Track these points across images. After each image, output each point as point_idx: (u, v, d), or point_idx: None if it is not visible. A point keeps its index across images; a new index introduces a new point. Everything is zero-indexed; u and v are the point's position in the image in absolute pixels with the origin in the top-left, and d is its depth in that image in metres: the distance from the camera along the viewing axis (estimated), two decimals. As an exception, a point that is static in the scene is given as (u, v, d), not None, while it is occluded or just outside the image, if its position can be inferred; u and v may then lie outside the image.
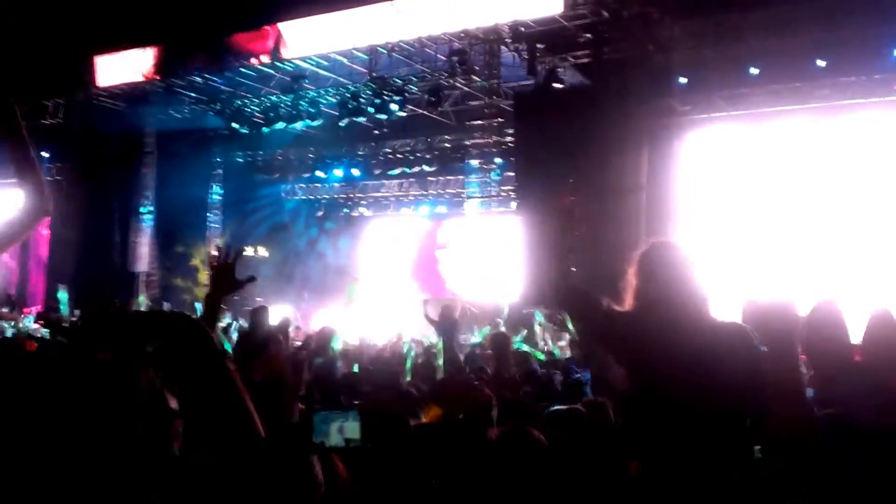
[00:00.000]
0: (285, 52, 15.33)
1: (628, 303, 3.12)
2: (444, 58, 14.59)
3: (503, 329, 12.56)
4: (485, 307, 13.89)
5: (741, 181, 13.06)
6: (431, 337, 12.70)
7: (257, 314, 7.97)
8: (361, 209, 19.89)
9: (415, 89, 15.34)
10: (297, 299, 17.27)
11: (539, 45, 13.52)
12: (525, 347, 9.98)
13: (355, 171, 18.56)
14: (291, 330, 10.44)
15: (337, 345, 9.75)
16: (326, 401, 5.86)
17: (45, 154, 19.17)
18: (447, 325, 12.69)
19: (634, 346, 3.03)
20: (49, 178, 18.98)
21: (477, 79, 14.74)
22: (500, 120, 14.99)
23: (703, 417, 2.84)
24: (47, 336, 10.28)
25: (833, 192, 12.28)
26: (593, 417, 4.18)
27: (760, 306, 2.45)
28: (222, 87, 17.00)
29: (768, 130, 12.74)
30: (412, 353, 9.78)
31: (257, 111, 17.05)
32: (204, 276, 18.56)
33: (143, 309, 11.00)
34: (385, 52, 14.82)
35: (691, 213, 13.36)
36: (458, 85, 15.11)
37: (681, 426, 2.87)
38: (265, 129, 17.12)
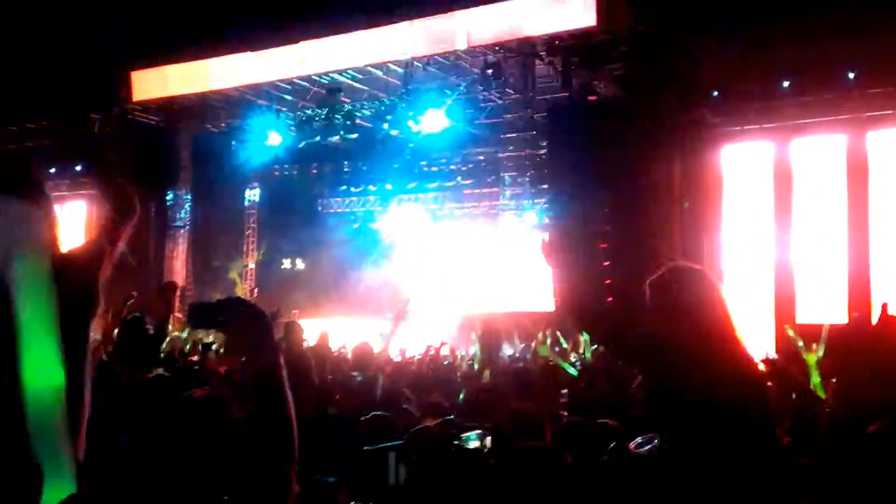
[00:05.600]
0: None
1: (649, 323, 3.30)
2: (478, 71, 15.87)
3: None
4: (520, 319, 15.03)
5: (774, 192, 14.16)
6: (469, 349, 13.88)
7: (289, 329, 8.47)
8: (397, 221, 20.93)
9: (449, 102, 16.61)
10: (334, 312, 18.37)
11: (573, 58, 14.67)
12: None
13: (388, 187, 19.82)
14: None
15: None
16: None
17: (78, 168, 20.68)
18: (491, 339, 13.69)
19: (657, 363, 3.18)
20: (87, 192, 20.61)
21: (511, 91, 15.97)
22: (533, 133, 16.24)
23: (717, 438, 3.00)
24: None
25: (864, 203, 13.36)
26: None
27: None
28: (257, 100, 18.40)
29: (799, 141, 13.90)
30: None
31: (293, 124, 18.43)
32: (241, 290, 19.96)
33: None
34: (421, 65, 16.14)
35: (726, 224, 14.48)
36: (493, 98, 16.39)
37: (697, 446, 3.03)
38: (301, 143, 18.52)
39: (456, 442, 5.13)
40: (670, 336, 3.14)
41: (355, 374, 8.28)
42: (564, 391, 8.19)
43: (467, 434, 5.15)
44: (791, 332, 8.47)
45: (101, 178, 3.25)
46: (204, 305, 2.25)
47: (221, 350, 10.55)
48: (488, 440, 4.99)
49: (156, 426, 2.33)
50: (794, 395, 5.07)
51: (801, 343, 8.42)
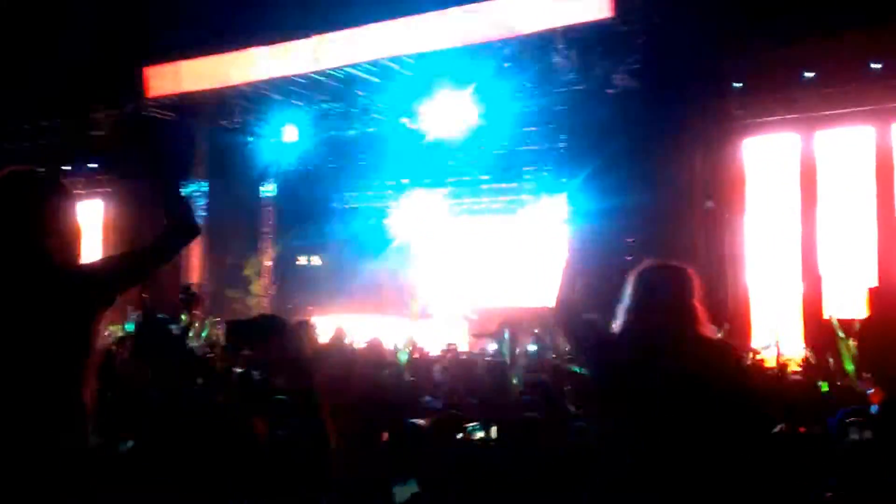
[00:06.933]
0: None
1: (618, 323, 3.39)
2: (496, 64, 15.82)
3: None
4: (541, 314, 15.08)
5: (799, 184, 14.15)
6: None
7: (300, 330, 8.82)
8: (415, 216, 20.96)
9: (467, 95, 16.60)
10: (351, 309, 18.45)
11: (591, 50, 14.69)
12: None
13: (405, 181, 19.90)
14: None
15: (403, 357, 10.74)
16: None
17: (93, 165, 20.86)
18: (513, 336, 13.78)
19: (618, 370, 3.28)
20: (102, 190, 20.82)
21: (529, 84, 15.97)
22: (552, 126, 16.26)
23: (688, 439, 3.08)
24: None
25: (891, 195, 13.33)
26: None
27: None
28: (272, 95, 18.49)
29: (824, 133, 13.88)
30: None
31: (309, 119, 18.52)
32: (257, 287, 20.12)
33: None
34: (436, 58, 16.12)
35: (750, 217, 14.48)
36: (511, 90, 16.35)
37: (664, 449, 3.10)
38: (317, 137, 18.62)
39: (461, 434, 5.27)
40: (646, 335, 3.26)
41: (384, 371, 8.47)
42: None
43: (472, 424, 5.28)
44: (834, 321, 8.45)
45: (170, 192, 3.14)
46: (238, 326, 2.23)
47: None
48: (493, 431, 5.12)
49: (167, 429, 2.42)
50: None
51: (841, 333, 8.43)
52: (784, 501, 3.63)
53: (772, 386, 7.59)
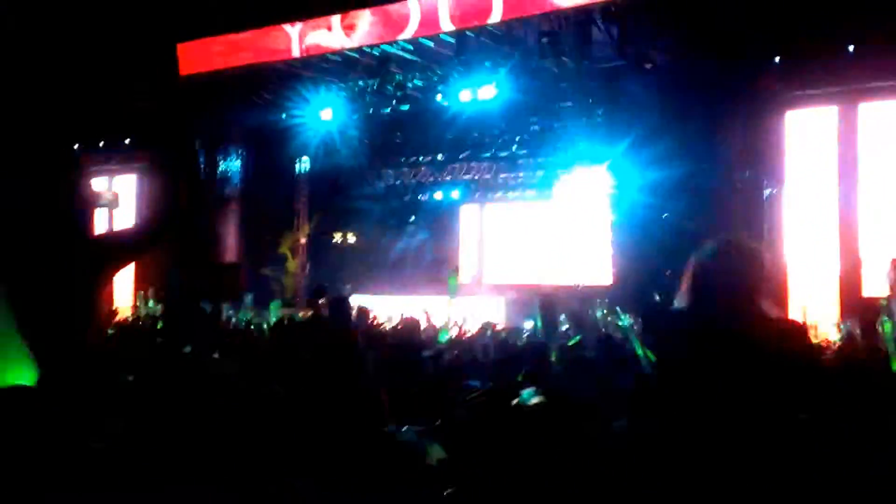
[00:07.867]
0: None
1: (681, 300, 3.41)
2: (533, 40, 15.91)
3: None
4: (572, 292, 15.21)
5: (839, 159, 14.15)
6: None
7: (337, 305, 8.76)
8: (450, 193, 21.26)
9: (503, 72, 16.70)
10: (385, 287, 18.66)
11: (629, 26, 14.72)
12: None
13: (441, 157, 20.04)
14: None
15: (444, 336, 10.88)
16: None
17: (127, 142, 21.15)
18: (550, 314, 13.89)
19: (678, 346, 3.32)
20: (137, 165, 21.11)
21: (566, 60, 16.02)
22: (589, 101, 16.33)
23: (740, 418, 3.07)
24: None
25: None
26: None
27: None
28: (306, 72, 18.65)
29: (867, 106, 13.85)
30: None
31: (343, 96, 18.67)
32: (293, 265, 20.38)
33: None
34: (473, 34, 16.23)
35: (788, 192, 14.50)
36: (548, 66, 16.43)
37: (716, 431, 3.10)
38: (352, 115, 18.77)
39: (515, 400, 5.40)
40: (708, 319, 3.26)
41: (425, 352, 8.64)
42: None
43: (527, 391, 5.39)
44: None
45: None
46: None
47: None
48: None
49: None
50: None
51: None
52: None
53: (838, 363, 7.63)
